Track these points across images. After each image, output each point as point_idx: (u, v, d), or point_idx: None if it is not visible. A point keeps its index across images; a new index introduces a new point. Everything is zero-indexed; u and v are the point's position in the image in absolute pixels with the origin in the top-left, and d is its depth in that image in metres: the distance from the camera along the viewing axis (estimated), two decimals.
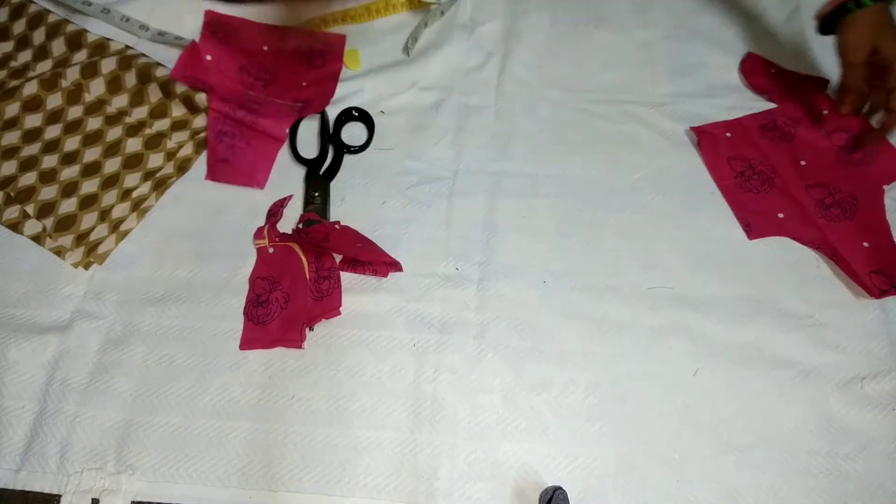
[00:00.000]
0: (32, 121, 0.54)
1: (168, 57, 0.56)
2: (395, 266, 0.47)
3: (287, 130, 0.53)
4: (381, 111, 0.55)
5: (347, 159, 0.53)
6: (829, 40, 0.57)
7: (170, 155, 0.53)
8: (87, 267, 0.48)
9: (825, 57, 0.56)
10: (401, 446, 0.41)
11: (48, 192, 0.51)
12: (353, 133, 0.55)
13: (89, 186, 0.51)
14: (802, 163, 0.50)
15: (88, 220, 0.50)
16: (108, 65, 0.55)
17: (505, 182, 0.51)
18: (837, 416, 0.42)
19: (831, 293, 0.46)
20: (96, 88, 0.55)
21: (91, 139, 0.53)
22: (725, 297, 0.46)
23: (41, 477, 0.41)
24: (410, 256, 0.48)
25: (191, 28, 0.58)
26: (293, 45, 0.58)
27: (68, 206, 0.50)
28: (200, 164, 0.53)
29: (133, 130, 0.54)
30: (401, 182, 0.51)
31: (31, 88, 0.55)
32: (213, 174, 0.52)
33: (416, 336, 0.45)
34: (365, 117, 0.54)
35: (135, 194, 0.51)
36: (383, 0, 0.59)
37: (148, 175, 0.52)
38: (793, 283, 0.46)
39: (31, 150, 0.53)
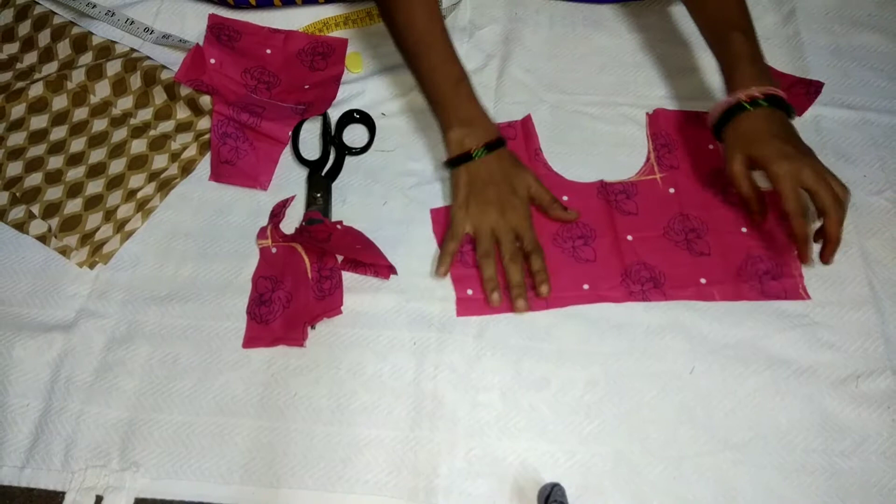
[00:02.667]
0: (38, 122, 0.55)
1: (172, 59, 0.56)
2: (391, 269, 0.47)
3: (289, 133, 0.54)
4: (383, 113, 0.55)
5: (349, 161, 0.54)
6: (825, 43, 0.58)
7: (174, 156, 0.53)
8: (91, 266, 0.49)
9: (820, 60, 0.57)
10: (401, 444, 0.42)
11: (54, 193, 0.51)
12: (354, 135, 0.55)
13: (94, 187, 0.52)
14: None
15: (93, 220, 0.50)
16: (113, 67, 0.55)
17: None
18: (833, 414, 0.42)
19: (826, 292, 0.46)
20: (102, 90, 0.56)
21: (96, 140, 0.54)
22: None
23: (46, 474, 0.41)
24: (411, 256, 0.48)
25: (195, 31, 0.59)
26: (296, 49, 0.58)
27: (73, 206, 0.51)
28: (204, 166, 0.53)
29: (138, 132, 0.54)
30: (402, 183, 0.52)
31: (36, 90, 0.55)
32: (217, 175, 0.53)
33: (417, 335, 0.45)
34: (366, 119, 0.55)
35: (139, 195, 0.51)
36: None
37: (152, 176, 0.52)
38: None
39: (37, 150, 0.54)
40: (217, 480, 0.41)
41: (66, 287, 0.48)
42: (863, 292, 0.46)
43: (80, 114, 0.55)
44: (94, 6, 0.60)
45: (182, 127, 0.55)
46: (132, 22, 0.59)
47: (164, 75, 0.54)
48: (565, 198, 0.50)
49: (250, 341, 0.45)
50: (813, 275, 0.47)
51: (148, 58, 0.56)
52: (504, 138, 0.49)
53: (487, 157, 0.48)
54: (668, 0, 0.60)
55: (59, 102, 0.56)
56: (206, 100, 0.53)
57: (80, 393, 0.44)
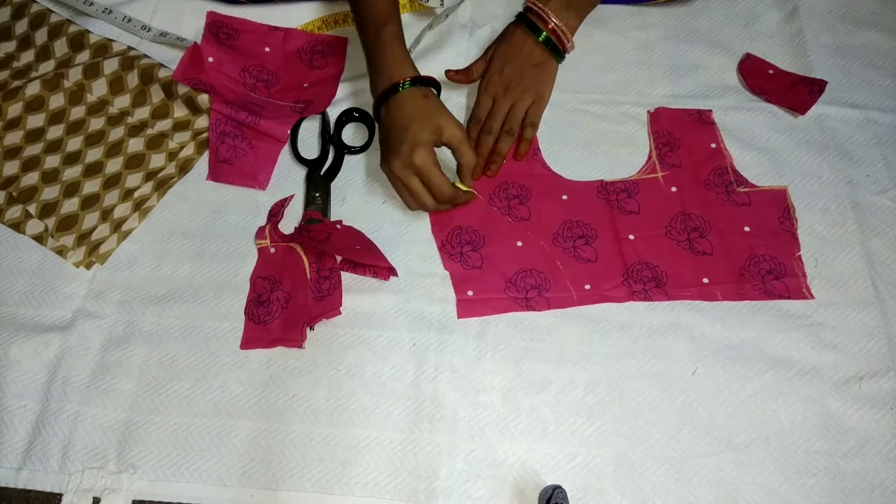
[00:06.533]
0: (35, 121, 0.55)
1: (170, 58, 0.56)
2: (391, 271, 0.47)
3: (288, 131, 0.53)
4: None
5: (348, 160, 0.53)
6: (828, 42, 0.57)
7: (171, 155, 0.53)
8: (88, 267, 0.48)
9: (823, 59, 0.56)
10: (401, 445, 0.41)
11: (50, 192, 0.51)
12: (353, 133, 0.55)
13: (91, 186, 0.51)
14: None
15: (90, 219, 0.50)
16: (110, 65, 0.55)
17: None
18: (836, 416, 0.42)
19: (829, 293, 0.46)
20: (98, 89, 0.55)
21: (93, 139, 0.54)
22: None
23: (43, 476, 0.41)
24: (410, 256, 0.48)
25: (193, 29, 0.58)
26: (295, 47, 0.58)
27: (70, 205, 0.50)
28: (202, 165, 0.53)
29: (135, 131, 0.54)
30: None
31: (33, 89, 0.55)
32: (215, 175, 0.52)
33: (416, 335, 0.45)
34: (365, 118, 0.55)
35: (136, 194, 0.51)
36: None
37: (150, 175, 0.52)
38: None
39: (34, 150, 0.53)
40: (215, 482, 0.41)
41: (62, 287, 0.47)
42: (866, 293, 0.46)
43: (77, 113, 0.55)
44: (92, 4, 0.59)
45: (180, 126, 0.54)
46: (129, 20, 0.59)
47: (162, 73, 0.54)
48: (564, 197, 0.50)
49: (248, 342, 0.45)
50: (816, 275, 0.47)
51: (145, 56, 0.55)
52: (438, 83, 0.50)
53: (416, 90, 0.47)
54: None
55: (56, 101, 0.55)
56: (203, 98, 0.53)
57: (77, 394, 0.43)
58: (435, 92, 0.49)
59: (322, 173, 0.52)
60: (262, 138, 0.53)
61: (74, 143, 0.53)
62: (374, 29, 0.49)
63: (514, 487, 0.40)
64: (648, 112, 0.54)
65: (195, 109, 0.54)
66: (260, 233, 0.49)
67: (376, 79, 0.49)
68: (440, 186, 0.46)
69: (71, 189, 0.51)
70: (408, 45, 0.57)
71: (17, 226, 0.50)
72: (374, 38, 0.49)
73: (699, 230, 0.48)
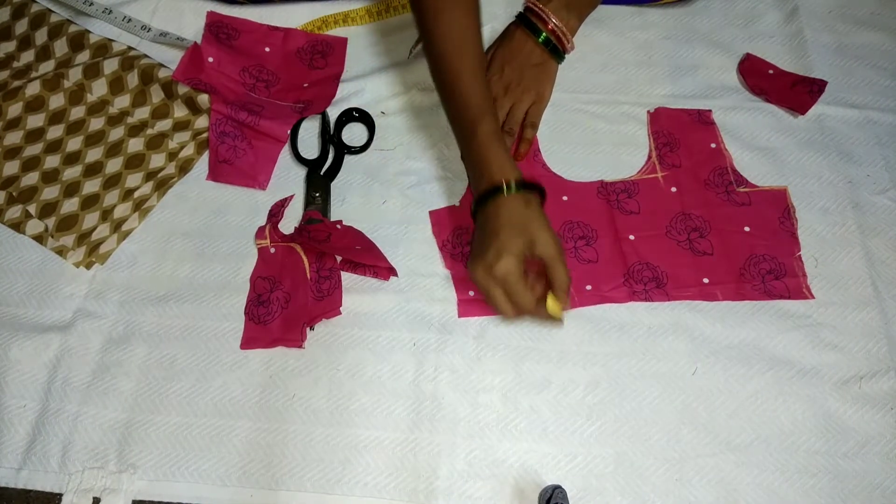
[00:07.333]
0: (35, 121, 0.55)
1: (170, 58, 0.56)
2: (391, 271, 0.47)
3: (288, 131, 0.53)
4: (382, 112, 0.55)
5: (348, 160, 0.53)
6: (828, 42, 0.57)
7: (171, 155, 0.53)
8: (88, 267, 0.48)
9: (823, 59, 0.56)
10: (401, 445, 0.41)
11: (50, 192, 0.51)
12: (353, 134, 0.55)
13: (91, 186, 0.51)
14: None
15: (90, 219, 0.50)
16: (110, 65, 0.55)
17: None
18: (836, 416, 0.42)
19: (829, 292, 0.46)
20: (98, 89, 0.55)
21: (93, 139, 0.54)
22: None
23: (43, 476, 0.41)
24: (410, 256, 0.48)
25: (193, 29, 0.58)
26: (295, 47, 0.58)
27: (70, 206, 0.50)
28: (202, 165, 0.53)
29: (135, 131, 0.54)
30: (401, 182, 0.52)
31: (33, 89, 0.55)
32: (215, 175, 0.52)
33: (416, 335, 0.45)
34: (365, 118, 0.55)
35: (136, 194, 0.51)
36: (383, 2, 0.60)
37: (150, 175, 0.52)
38: None
39: (34, 150, 0.53)
40: (215, 482, 0.41)
41: (62, 287, 0.47)
42: (866, 292, 0.46)
43: (77, 113, 0.55)
44: (92, 4, 0.59)
45: (179, 126, 0.54)
46: (129, 20, 0.59)
47: (162, 74, 0.54)
48: (564, 198, 0.50)
49: (248, 342, 0.45)
50: (816, 275, 0.47)
51: (145, 56, 0.55)
52: (542, 188, 0.43)
53: (518, 196, 0.41)
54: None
55: (56, 101, 0.55)
56: (203, 98, 0.53)
57: (77, 394, 0.43)
58: (539, 198, 0.43)
59: (322, 173, 0.52)
60: (262, 138, 0.53)
61: (74, 143, 0.53)
62: (470, 124, 0.44)
63: (514, 487, 0.40)
64: (648, 112, 0.54)
65: (195, 109, 0.54)
66: (260, 233, 0.49)
67: (476, 180, 0.44)
68: (520, 301, 0.40)
69: (71, 189, 0.51)
70: (408, 45, 0.57)
71: (17, 226, 0.50)
72: (469, 135, 0.44)
73: (699, 230, 0.48)
